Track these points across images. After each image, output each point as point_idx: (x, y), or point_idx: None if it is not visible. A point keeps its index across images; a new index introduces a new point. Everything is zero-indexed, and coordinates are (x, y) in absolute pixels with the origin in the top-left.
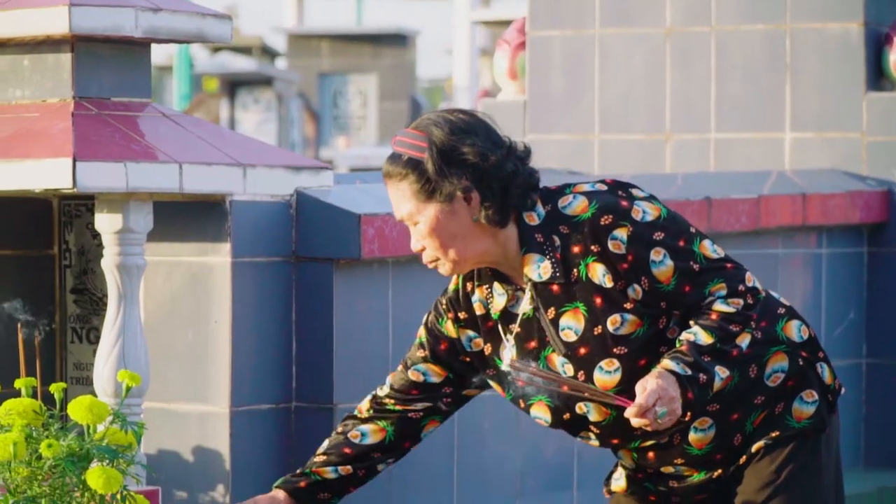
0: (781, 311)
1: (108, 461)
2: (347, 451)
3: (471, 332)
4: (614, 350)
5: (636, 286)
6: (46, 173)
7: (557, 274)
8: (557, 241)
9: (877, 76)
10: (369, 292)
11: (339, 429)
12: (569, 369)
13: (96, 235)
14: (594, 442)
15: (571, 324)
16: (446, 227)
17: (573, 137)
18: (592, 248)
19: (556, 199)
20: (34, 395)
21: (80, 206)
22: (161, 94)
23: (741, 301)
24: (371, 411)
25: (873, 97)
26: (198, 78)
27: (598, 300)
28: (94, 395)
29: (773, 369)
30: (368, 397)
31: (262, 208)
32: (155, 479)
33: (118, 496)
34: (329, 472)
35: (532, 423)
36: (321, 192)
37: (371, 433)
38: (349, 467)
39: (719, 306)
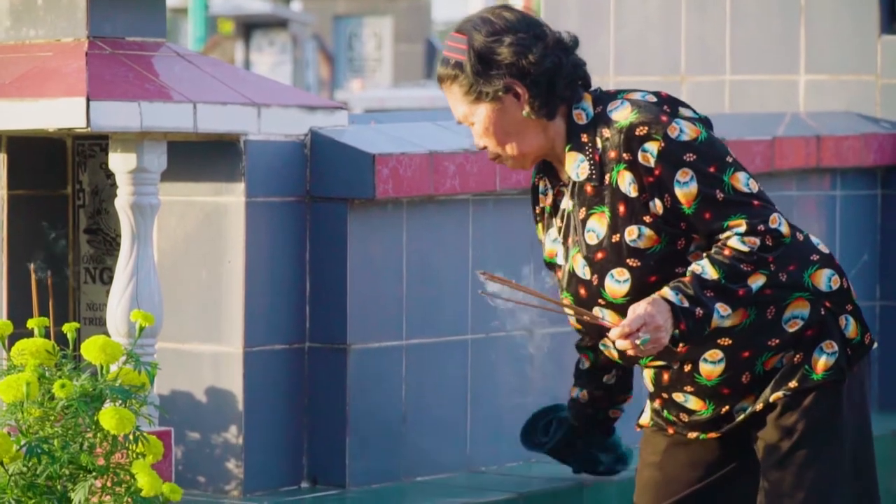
0: (815, 257)
1: (120, 402)
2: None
3: (540, 225)
4: (627, 261)
5: (658, 201)
6: (60, 112)
7: (593, 175)
8: (599, 144)
9: (891, 19)
10: (383, 233)
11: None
12: (587, 272)
13: (110, 175)
14: (613, 351)
15: (596, 227)
16: (499, 124)
17: None
18: (624, 155)
19: (607, 102)
20: (47, 336)
21: (94, 145)
22: (176, 36)
23: (758, 241)
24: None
25: (887, 40)
26: (213, 20)
27: (622, 208)
28: (108, 336)
29: (792, 314)
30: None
31: (277, 148)
32: (168, 420)
33: (131, 437)
34: (594, 392)
35: (545, 369)
36: (335, 132)
37: (584, 361)
38: (598, 391)
39: (734, 243)
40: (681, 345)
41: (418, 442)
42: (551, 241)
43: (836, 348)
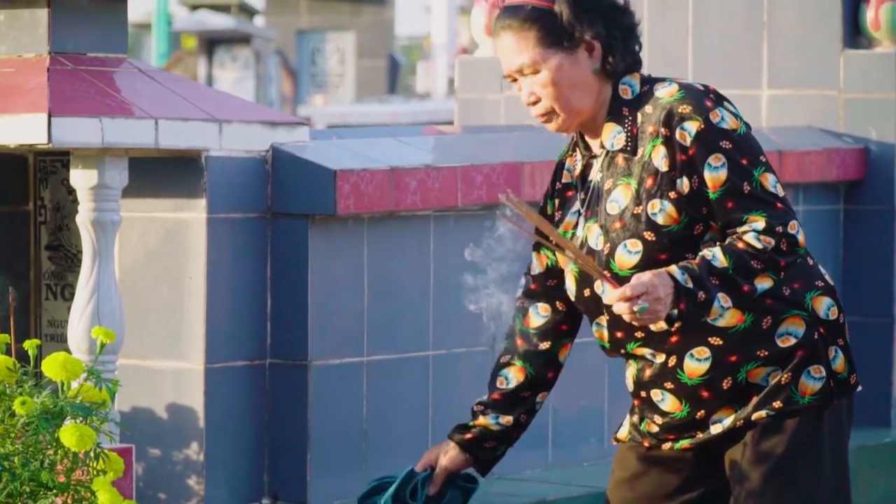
0: (820, 283)
1: (81, 418)
2: (497, 396)
3: (557, 201)
4: (644, 233)
5: (686, 180)
6: (22, 129)
7: (628, 147)
8: (639, 119)
9: (854, 33)
10: (344, 249)
11: (490, 380)
12: (600, 242)
13: (72, 192)
14: (605, 333)
15: (619, 198)
16: (569, 75)
17: None
18: (662, 130)
19: (654, 82)
20: (8, 352)
21: (55, 161)
22: (139, 52)
23: (773, 242)
24: (508, 355)
25: (850, 54)
26: (176, 36)
27: (650, 181)
28: (69, 352)
29: (786, 330)
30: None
31: (238, 164)
32: (129, 437)
33: (92, 454)
34: (492, 424)
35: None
36: (297, 148)
37: (514, 376)
38: (508, 417)
39: (749, 238)
40: (676, 325)
41: (379, 458)
42: (571, 214)
43: (823, 374)
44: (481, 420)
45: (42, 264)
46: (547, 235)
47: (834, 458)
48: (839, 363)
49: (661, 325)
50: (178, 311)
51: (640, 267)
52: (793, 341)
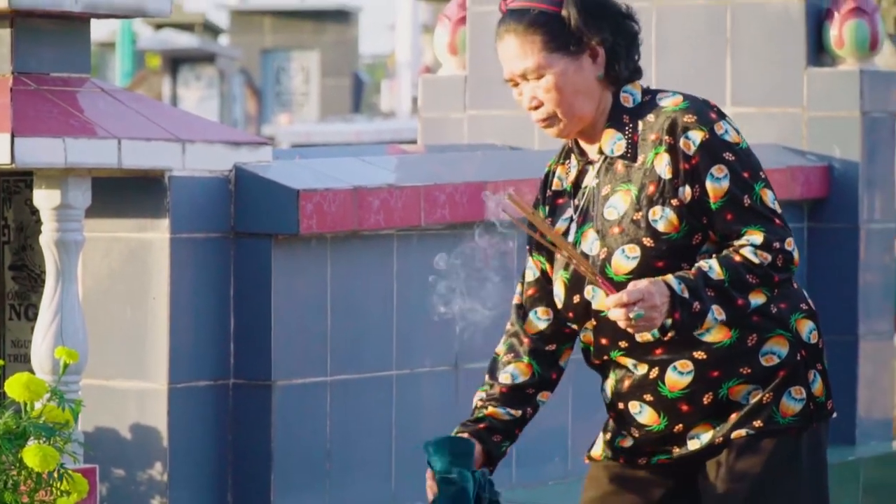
0: (804, 306)
1: (45, 439)
2: (504, 390)
3: (547, 208)
4: (643, 240)
5: (688, 188)
6: None
7: (628, 154)
8: (640, 127)
9: (817, 51)
10: (308, 268)
11: (490, 376)
12: (596, 247)
13: (35, 212)
14: (589, 338)
15: (618, 203)
16: (573, 81)
17: (514, 113)
18: (666, 138)
19: (656, 92)
20: None
21: (18, 181)
22: (104, 70)
23: (769, 257)
24: (511, 353)
25: (814, 72)
26: (141, 54)
27: (652, 188)
28: (32, 373)
29: (770, 349)
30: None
31: (201, 184)
32: (92, 457)
33: (55, 474)
34: (502, 415)
35: (471, 400)
36: (260, 168)
37: (520, 372)
38: (517, 410)
39: (746, 252)
40: (668, 335)
41: (343, 478)
42: (562, 220)
43: (804, 395)
44: (491, 410)
45: (6, 284)
46: (546, 236)
47: (812, 483)
48: (818, 387)
49: (647, 337)
50: (141, 331)
51: (637, 273)
52: (776, 360)
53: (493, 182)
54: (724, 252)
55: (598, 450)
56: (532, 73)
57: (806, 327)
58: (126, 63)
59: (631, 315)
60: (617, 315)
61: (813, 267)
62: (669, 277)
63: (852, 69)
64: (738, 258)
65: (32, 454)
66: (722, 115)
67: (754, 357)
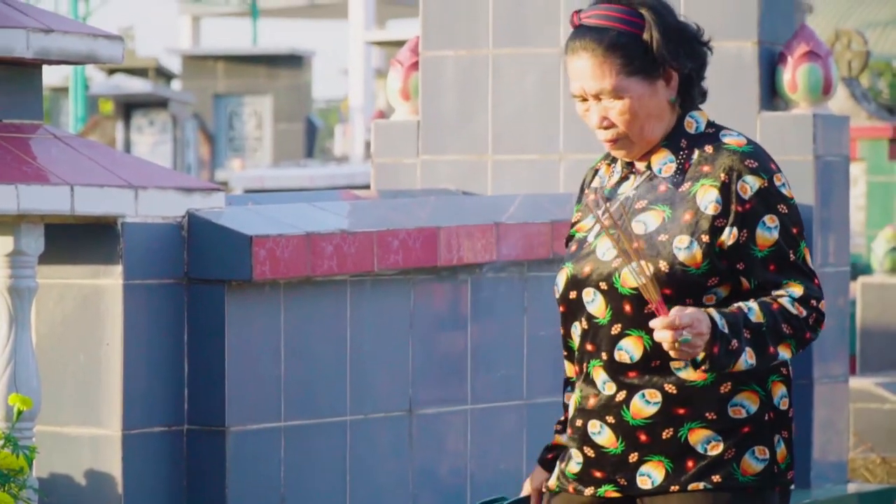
0: (784, 371)
1: None
2: (569, 414)
3: (579, 204)
4: (660, 262)
5: (735, 231)
6: None
7: (675, 179)
8: (696, 155)
9: (770, 95)
10: (261, 314)
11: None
12: (611, 254)
13: None
14: (575, 340)
15: (649, 220)
16: (647, 105)
17: (467, 158)
18: (721, 175)
19: (722, 128)
20: None
21: None
22: (57, 115)
23: (804, 312)
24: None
25: (767, 116)
26: (94, 99)
27: (688, 216)
28: None
29: (741, 402)
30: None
31: (154, 230)
32: (47, 503)
33: None
34: (565, 440)
35: (426, 444)
36: (213, 214)
37: None
38: None
39: (785, 301)
40: (702, 368)
41: None
42: (590, 217)
43: (767, 456)
44: (558, 438)
45: None
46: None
47: None
48: (782, 452)
49: (625, 358)
50: (95, 377)
51: (640, 292)
52: (743, 414)
53: (447, 227)
54: (762, 298)
55: (553, 479)
56: (608, 95)
57: (779, 391)
58: (79, 108)
59: (679, 339)
60: (663, 336)
61: None
62: (712, 311)
63: (805, 113)
64: (776, 306)
65: None
66: (780, 169)
67: (723, 405)
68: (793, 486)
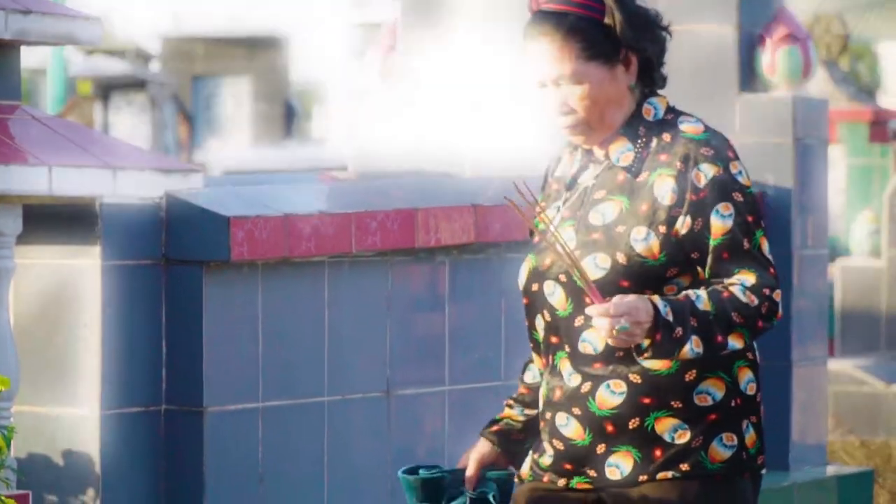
0: (750, 356)
1: None
2: (524, 391)
3: (542, 193)
4: (617, 254)
5: (689, 220)
6: None
7: (633, 168)
8: (654, 144)
9: (750, 78)
10: (239, 295)
11: (521, 374)
12: (571, 245)
13: None
14: (539, 332)
15: (607, 211)
16: (607, 91)
17: (444, 139)
18: (677, 164)
19: (680, 114)
20: None
21: None
22: (36, 96)
23: (756, 301)
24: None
25: (746, 99)
26: (72, 81)
27: (645, 207)
28: None
29: (706, 389)
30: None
31: (132, 211)
32: (25, 484)
33: None
34: (516, 415)
35: (403, 425)
36: (191, 195)
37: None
38: (533, 410)
39: (736, 290)
40: (644, 355)
41: (276, 503)
42: (552, 208)
43: (735, 443)
44: (506, 412)
45: None
46: (547, 227)
47: None
48: (750, 438)
49: (588, 350)
50: (72, 357)
51: (600, 283)
52: (709, 402)
53: (425, 209)
54: (713, 286)
55: (526, 468)
56: (566, 80)
57: (745, 377)
58: (58, 89)
59: (616, 327)
60: (601, 325)
61: None
62: (656, 298)
63: (784, 96)
64: (726, 294)
65: None
66: (737, 156)
67: (688, 393)
68: (764, 471)
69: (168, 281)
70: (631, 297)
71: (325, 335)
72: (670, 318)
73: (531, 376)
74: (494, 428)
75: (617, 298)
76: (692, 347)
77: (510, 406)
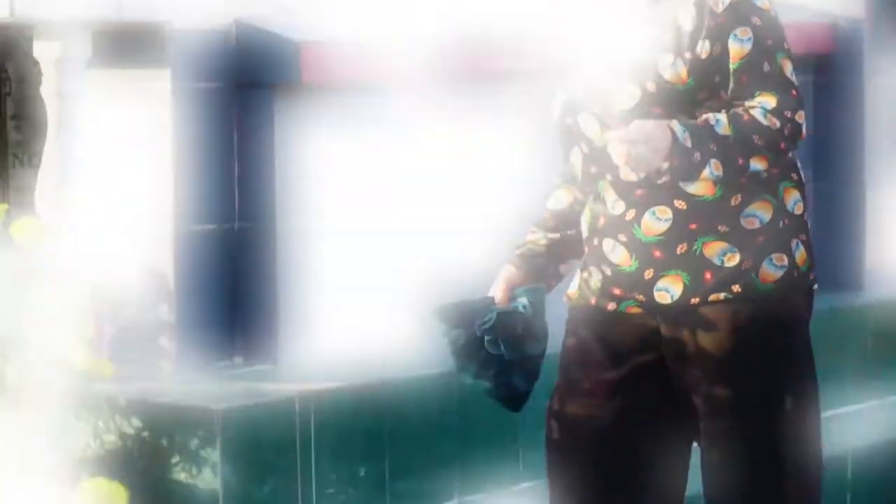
0: (794, 176)
1: None
2: (546, 216)
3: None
4: (647, 83)
5: (708, 44)
6: None
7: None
8: None
9: None
10: (310, 118)
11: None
12: (601, 77)
13: (36, 64)
14: (577, 165)
15: (633, 41)
16: None
17: None
18: None
19: None
20: None
21: (19, 35)
22: None
23: (778, 123)
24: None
25: None
26: None
27: (669, 34)
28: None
29: (753, 212)
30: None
31: (202, 36)
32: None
33: None
34: (540, 240)
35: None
36: (260, 19)
37: (564, 197)
38: (556, 234)
39: (756, 113)
40: (663, 178)
41: None
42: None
43: (786, 263)
44: (530, 237)
45: (9, 134)
46: None
47: (791, 352)
48: (801, 256)
49: (631, 177)
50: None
51: (634, 112)
52: (757, 224)
53: None
54: (734, 110)
55: (574, 287)
56: None
57: (792, 197)
58: None
59: (632, 152)
60: (618, 150)
61: (819, 120)
62: (675, 123)
63: None
64: (747, 117)
65: None
66: None
67: (735, 217)
68: (816, 286)
69: (239, 104)
70: (649, 124)
71: None
72: (689, 143)
73: (554, 201)
74: (518, 252)
75: (634, 124)
76: (712, 171)
77: (533, 232)
